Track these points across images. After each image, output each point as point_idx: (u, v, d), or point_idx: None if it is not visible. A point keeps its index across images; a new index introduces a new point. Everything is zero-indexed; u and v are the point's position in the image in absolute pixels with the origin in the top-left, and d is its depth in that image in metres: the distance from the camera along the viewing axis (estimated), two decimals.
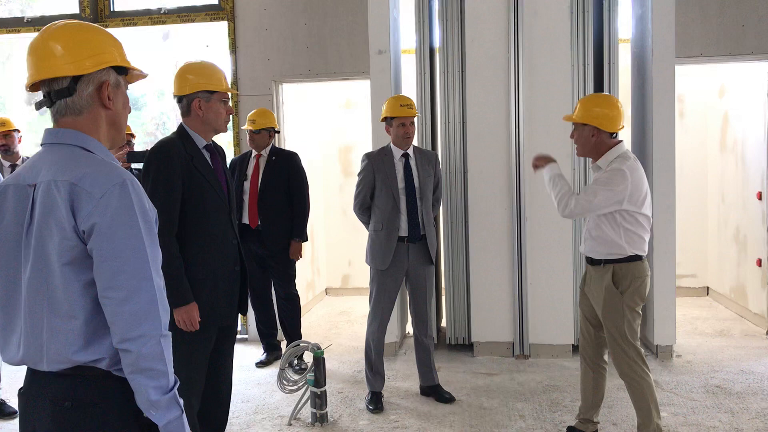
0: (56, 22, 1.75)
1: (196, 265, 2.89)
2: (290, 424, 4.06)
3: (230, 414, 3.29)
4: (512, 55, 5.01)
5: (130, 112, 1.85)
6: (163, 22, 5.98)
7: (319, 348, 4.02)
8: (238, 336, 5.32)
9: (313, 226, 5.25)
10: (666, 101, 4.86)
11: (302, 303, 5.34)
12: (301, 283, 5.50)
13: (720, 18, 5.34)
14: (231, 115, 3.08)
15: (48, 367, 1.63)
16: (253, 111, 5.11)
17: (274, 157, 5.05)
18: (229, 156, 4.85)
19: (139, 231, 1.61)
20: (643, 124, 5.08)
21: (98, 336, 1.62)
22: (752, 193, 5.83)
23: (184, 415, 1.67)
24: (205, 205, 2.92)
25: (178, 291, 2.78)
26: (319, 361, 3.96)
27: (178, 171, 2.86)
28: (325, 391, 4.03)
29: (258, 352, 5.37)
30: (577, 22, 5.04)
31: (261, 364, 5.18)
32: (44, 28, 1.73)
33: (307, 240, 5.15)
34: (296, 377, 4.22)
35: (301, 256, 5.11)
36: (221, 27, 5.91)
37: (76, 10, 5.95)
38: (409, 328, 5.04)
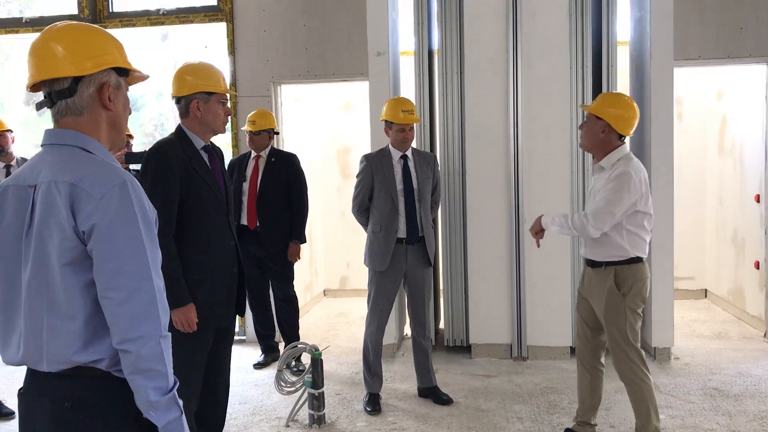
0: (58, 23, 1.75)
1: (193, 266, 2.88)
2: (288, 426, 4.05)
3: (228, 415, 3.29)
4: (511, 57, 5.01)
5: (130, 113, 1.85)
6: (162, 23, 5.98)
7: (317, 349, 4.02)
8: (236, 337, 5.33)
9: (311, 227, 5.25)
10: (664, 104, 4.87)
11: (300, 304, 5.33)
12: (299, 285, 5.49)
13: (718, 20, 5.34)
14: (229, 117, 3.08)
15: (48, 368, 1.63)
16: (252, 112, 5.11)
17: (273, 159, 5.04)
18: (227, 157, 4.85)
19: (139, 232, 1.61)
20: (642, 127, 5.08)
21: (98, 336, 1.62)
22: (750, 195, 5.83)
23: (184, 416, 1.67)
24: (203, 207, 2.92)
25: (176, 292, 2.78)
26: (316, 362, 3.96)
27: (176, 172, 2.86)
28: (323, 392, 4.02)
29: (256, 354, 5.37)
30: (576, 24, 5.05)
31: (259, 366, 5.17)
32: (46, 28, 1.74)
33: (305, 242, 5.15)
34: (294, 379, 4.21)
35: (299, 258, 5.11)
36: (220, 28, 5.91)
37: (75, 11, 5.94)
38: (407, 330, 5.04)
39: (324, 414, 4.04)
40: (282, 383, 4.16)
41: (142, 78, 1.86)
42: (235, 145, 5.88)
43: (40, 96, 1.76)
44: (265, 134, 5.03)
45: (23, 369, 1.74)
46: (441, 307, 5.69)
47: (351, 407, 4.33)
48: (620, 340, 3.31)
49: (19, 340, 1.68)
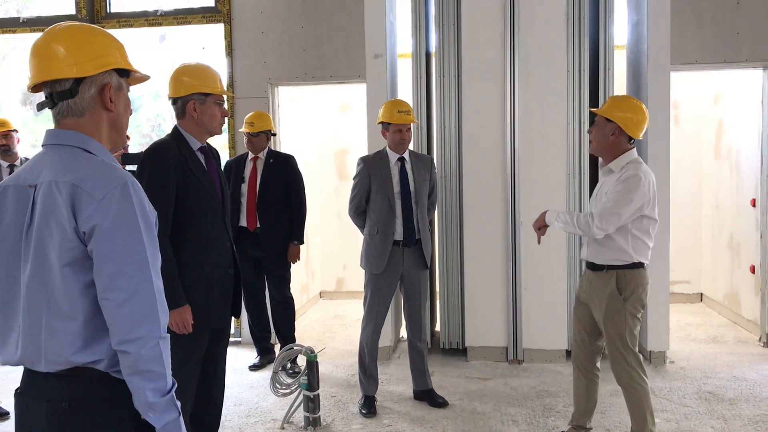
0: (60, 23, 1.76)
1: (189, 267, 2.88)
2: (283, 428, 4.05)
3: (223, 417, 3.29)
4: (508, 60, 5.02)
5: (131, 114, 1.86)
6: (160, 24, 5.97)
7: (312, 351, 4.01)
8: (232, 339, 5.33)
9: (308, 229, 5.25)
10: (661, 108, 4.88)
11: (296, 306, 5.33)
12: (295, 287, 5.49)
13: (715, 25, 5.36)
14: (226, 118, 3.08)
15: (46, 368, 1.63)
16: (250, 114, 5.10)
17: (271, 160, 5.04)
18: (224, 158, 4.85)
19: (140, 233, 1.62)
20: None
21: (97, 337, 1.63)
22: (746, 200, 5.85)
23: (182, 417, 1.67)
24: (199, 208, 2.91)
25: (172, 293, 2.76)
26: (312, 364, 3.96)
27: (172, 173, 2.86)
28: (318, 394, 4.02)
29: (251, 355, 5.36)
30: (573, 28, 5.06)
31: (254, 368, 5.16)
32: (47, 29, 1.74)
33: (303, 242, 5.16)
34: (289, 381, 4.21)
35: (299, 259, 5.11)
36: (218, 29, 5.91)
37: (72, 11, 5.93)
38: (403, 332, 5.04)
39: (319, 416, 4.03)
40: (277, 385, 4.16)
41: (143, 79, 1.87)
42: (232, 146, 5.87)
43: (38, 96, 1.76)
44: (263, 136, 5.04)
45: (18, 369, 1.73)
46: (437, 310, 5.69)
47: (346, 409, 4.32)
48: (619, 344, 3.31)
49: (17, 340, 1.68)
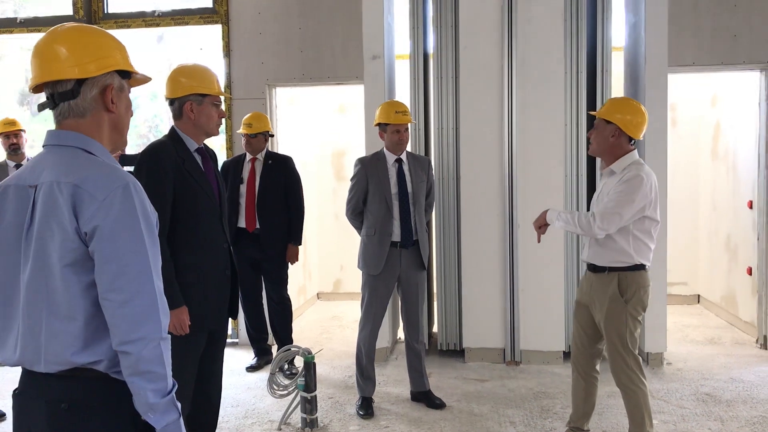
0: (62, 24, 1.76)
1: (186, 268, 2.87)
2: (280, 429, 4.04)
3: (220, 418, 3.28)
4: (506, 61, 5.02)
5: (132, 115, 1.86)
6: (157, 25, 5.97)
7: (310, 353, 4.00)
8: (229, 340, 5.33)
9: (305, 230, 5.24)
10: (659, 110, 4.88)
11: (294, 307, 5.32)
12: (292, 288, 5.49)
13: (713, 27, 5.37)
14: (223, 119, 3.07)
15: (45, 369, 1.63)
16: (248, 115, 5.10)
17: (270, 161, 5.04)
18: (221, 159, 4.84)
19: (141, 234, 1.62)
20: None
21: (97, 338, 1.62)
22: (743, 201, 5.85)
23: (182, 418, 1.67)
24: (196, 209, 2.91)
25: (169, 294, 2.74)
26: (309, 365, 3.95)
27: (169, 174, 2.85)
28: (316, 396, 4.01)
29: (248, 357, 5.35)
30: (571, 30, 5.06)
31: (251, 369, 5.16)
32: (49, 30, 1.74)
33: (301, 243, 5.15)
34: (287, 382, 4.20)
35: (297, 260, 5.11)
36: (215, 30, 5.90)
37: (70, 12, 5.93)
38: (401, 334, 5.03)
39: (316, 417, 4.03)
40: (275, 386, 4.15)
41: (145, 80, 1.87)
42: (230, 147, 5.87)
43: (37, 97, 1.76)
44: (262, 137, 5.04)
45: (15, 369, 1.73)
46: (434, 311, 5.68)
47: (343, 411, 4.32)
48: (619, 346, 3.30)
49: (16, 341, 1.68)
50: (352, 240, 4.76)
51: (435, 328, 5.69)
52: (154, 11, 5.92)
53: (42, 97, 1.75)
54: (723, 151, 6.39)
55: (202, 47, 6.70)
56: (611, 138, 3.34)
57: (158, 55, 7.46)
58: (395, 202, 4.18)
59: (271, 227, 4.96)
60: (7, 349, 1.70)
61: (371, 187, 4.19)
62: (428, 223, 4.52)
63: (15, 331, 1.68)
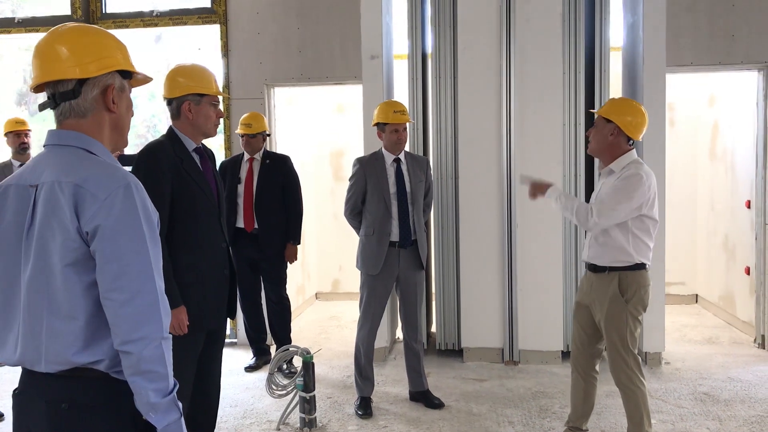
0: (63, 24, 1.76)
1: (185, 268, 2.87)
2: (279, 429, 4.04)
3: (218, 418, 3.28)
4: (504, 61, 5.03)
5: (133, 115, 1.86)
6: (155, 25, 5.96)
7: (308, 353, 4.00)
8: (228, 340, 5.32)
9: (304, 230, 5.24)
10: (657, 110, 4.88)
11: (292, 307, 5.32)
12: (291, 288, 5.48)
13: (710, 27, 5.37)
14: (221, 119, 3.07)
15: (46, 368, 1.63)
16: (245, 115, 5.10)
17: (267, 161, 5.04)
18: (219, 159, 4.84)
19: (143, 233, 1.62)
20: None
21: (98, 337, 1.62)
22: (741, 201, 5.86)
23: (183, 418, 1.67)
24: (195, 209, 2.91)
25: (167, 294, 2.75)
26: (308, 365, 3.95)
27: (167, 174, 2.85)
28: (314, 395, 4.01)
29: (247, 357, 5.35)
30: (569, 30, 5.07)
31: (250, 369, 5.15)
32: (50, 30, 1.74)
33: (300, 243, 5.15)
34: (285, 382, 4.20)
35: (296, 259, 5.11)
36: (213, 30, 5.90)
37: (68, 12, 5.92)
38: (399, 334, 5.04)
39: (315, 417, 4.03)
40: (273, 386, 4.15)
41: (146, 80, 1.87)
42: (228, 147, 5.86)
43: (36, 97, 1.76)
44: (260, 137, 5.05)
45: (13, 370, 1.72)
46: (433, 311, 5.68)
47: (342, 411, 4.32)
48: (620, 346, 3.30)
49: (16, 340, 1.68)
50: (351, 240, 4.76)
51: (433, 328, 5.69)
52: (152, 11, 5.91)
53: (42, 97, 1.75)
54: (721, 151, 6.39)
55: (201, 47, 6.70)
56: (610, 137, 3.34)
57: (156, 55, 7.45)
58: (394, 201, 4.18)
59: (269, 227, 4.96)
60: (7, 348, 1.70)
61: (370, 186, 4.19)
62: (427, 223, 4.52)
63: (15, 331, 1.68)
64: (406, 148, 4.38)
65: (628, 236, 3.28)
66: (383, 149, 4.27)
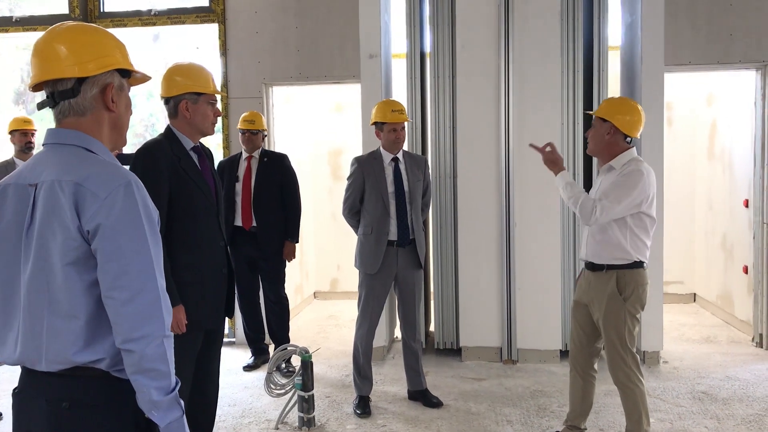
0: (62, 23, 1.76)
1: (183, 267, 2.87)
2: (277, 428, 4.04)
3: (217, 418, 3.28)
4: (502, 60, 5.03)
5: (132, 114, 1.86)
6: (153, 24, 5.96)
7: (307, 352, 4.01)
8: (226, 339, 5.31)
9: (302, 229, 5.24)
10: (655, 109, 4.89)
11: (290, 306, 5.32)
12: (289, 287, 5.48)
13: (709, 26, 5.37)
14: (219, 118, 3.07)
15: (46, 368, 1.63)
16: (246, 113, 5.10)
17: (265, 159, 5.04)
18: (218, 158, 4.84)
19: (144, 232, 1.62)
20: None
21: (99, 336, 1.62)
22: (739, 200, 5.87)
23: (185, 416, 1.67)
24: (193, 208, 2.90)
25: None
26: (306, 365, 3.95)
27: (164, 173, 2.85)
28: (313, 395, 4.01)
29: (245, 356, 5.35)
30: (568, 29, 5.07)
31: (248, 368, 5.15)
32: (49, 29, 1.74)
33: (298, 241, 5.15)
34: (284, 381, 4.20)
35: (294, 257, 5.11)
36: (212, 29, 5.89)
37: (66, 11, 5.91)
38: (398, 333, 5.03)
39: (314, 416, 4.03)
40: (272, 386, 4.15)
41: (145, 79, 1.87)
42: (227, 146, 5.86)
43: (33, 96, 1.76)
44: (260, 134, 5.06)
45: (12, 369, 1.72)
46: (431, 310, 5.68)
47: (341, 410, 4.32)
48: (618, 344, 3.31)
49: (16, 340, 1.67)
50: (349, 239, 4.76)
51: (432, 327, 5.69)
52: (151, 10, 5.91)
53: (41, 96, 1.75)
54: (719, 150, 6.40)
55: (199, 46, 6.70)
56: (606, 136, 3.35)
57: (154, 54, 7.45)
58: (392, 201, 4.18)
59: (267, 225, 4.96)
60: (7, 348, 1.70)
61: (368, 186, 4.19)
62: (425, 222, 4.52)
63: (15, 330, 1.68)
64: (405, 147, 4.38)
65: (626, 233, 3.28)
66: (381, 148, 4.26)
